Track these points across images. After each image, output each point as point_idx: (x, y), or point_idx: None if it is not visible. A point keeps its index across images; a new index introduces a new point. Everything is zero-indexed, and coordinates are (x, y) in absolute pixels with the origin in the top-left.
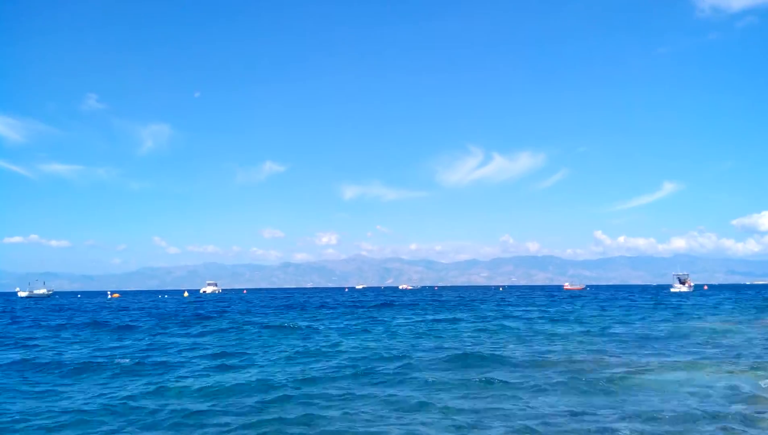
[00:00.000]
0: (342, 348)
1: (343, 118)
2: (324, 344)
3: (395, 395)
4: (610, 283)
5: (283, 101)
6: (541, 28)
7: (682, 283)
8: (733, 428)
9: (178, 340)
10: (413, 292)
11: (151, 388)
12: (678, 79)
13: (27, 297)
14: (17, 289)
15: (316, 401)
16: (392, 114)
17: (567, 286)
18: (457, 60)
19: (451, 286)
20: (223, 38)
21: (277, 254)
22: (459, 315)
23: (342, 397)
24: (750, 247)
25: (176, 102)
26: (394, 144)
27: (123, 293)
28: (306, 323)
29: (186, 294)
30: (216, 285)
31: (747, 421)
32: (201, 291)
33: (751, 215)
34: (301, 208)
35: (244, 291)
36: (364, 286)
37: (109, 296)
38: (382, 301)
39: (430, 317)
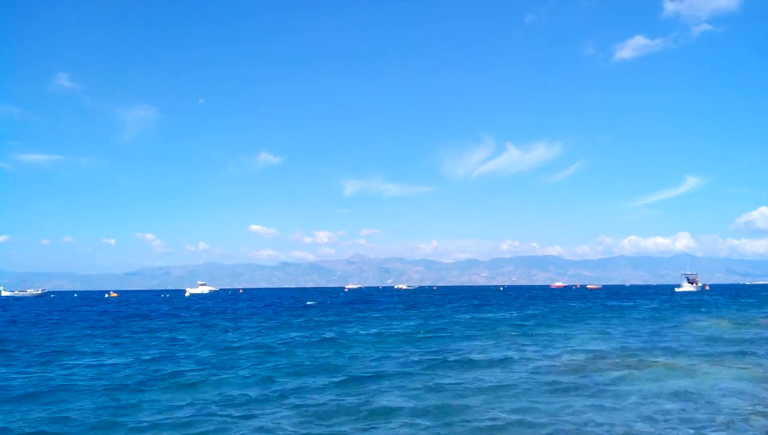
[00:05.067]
0: None
1: (343, 109)
2: None
3: None
4: (611, 284)
5: (280, 91)
6: (563, 18)
7: (691, 282)
8: None
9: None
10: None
11: None
12: (697, 73)
13: (11, 296)
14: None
15: None
16: (397, 104)
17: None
18: (466, 52)
19: (450, 286)
20: (216, 12)
21: (276, 253)
22: None
23: None
24: (750, 247)
25: (161, 83)
26: (398, 133)
27: (123, 293)
28: None
29: (188, 293)
30: (206, 284)
31: None
32: (187, 294)
33: (750, 215)
34: (299, 205)
35: (240, 290)
36: (360, 285)
37: (107, 296)
38: None
39: None
